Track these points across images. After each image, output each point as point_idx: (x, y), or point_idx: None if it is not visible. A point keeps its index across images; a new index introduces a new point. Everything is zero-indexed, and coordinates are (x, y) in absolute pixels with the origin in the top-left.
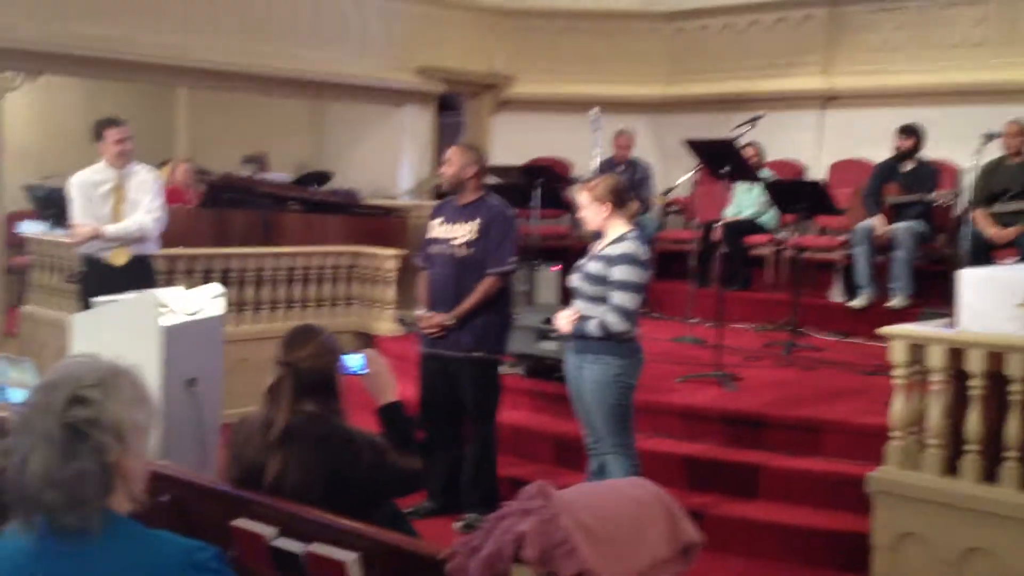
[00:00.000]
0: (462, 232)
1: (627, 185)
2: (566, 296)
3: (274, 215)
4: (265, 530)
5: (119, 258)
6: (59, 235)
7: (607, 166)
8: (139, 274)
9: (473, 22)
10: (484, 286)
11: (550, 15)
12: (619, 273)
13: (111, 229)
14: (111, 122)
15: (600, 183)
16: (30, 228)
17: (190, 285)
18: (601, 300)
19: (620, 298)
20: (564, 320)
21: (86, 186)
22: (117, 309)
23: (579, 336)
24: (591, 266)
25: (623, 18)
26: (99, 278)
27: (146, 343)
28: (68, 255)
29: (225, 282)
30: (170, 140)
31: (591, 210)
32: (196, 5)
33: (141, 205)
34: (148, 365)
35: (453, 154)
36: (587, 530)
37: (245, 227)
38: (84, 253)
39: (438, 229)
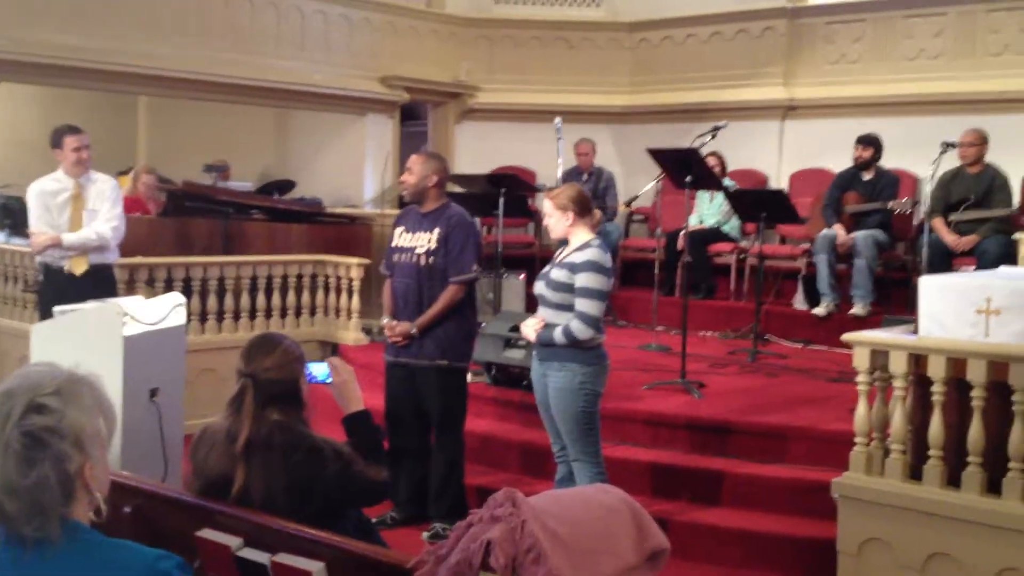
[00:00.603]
0: (423, 241)
1: (590, 194)
2: (532, 304)
3: (236, 224)
4: (230, 540)
5: (78, 267)
6: (17, 244)
7: (571, 175)
8: (99, 283)
9: (437, 31)
10: (447, 294)
11: (514, 25)
12: (583, 280)
13: (69, 238)
14: (69, 130)
15: (562, 192)
16: None
17: (151, 294)
18: (566, 307)
19: (584, 305)
20: (530, 328)
21: (44, 195)
22: (78, 318)
23: (544, 344)
24: (555, 273)
25: (587, 28)
26: (58, 287)
27: (107, 353)
28: (27, 264)
29: (187, 291)
30: (131, 148)
31: (554, 218)
32: (156, 13)
33: (100, 214)
34: (109, 375)
35: (414, 163)
36: (555, 537)
37: (207, 236)
38: (43, 262)
39: (400, 238)
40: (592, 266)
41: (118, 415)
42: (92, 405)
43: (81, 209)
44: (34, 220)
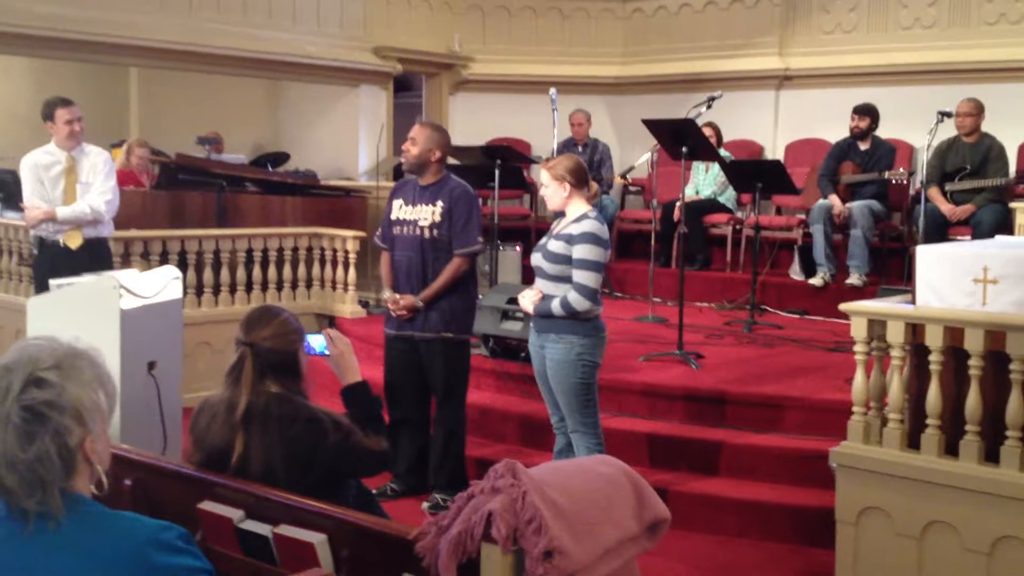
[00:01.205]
0: (426, 214)
1: (586, 165)
2: (528, 276)
3: (231, 196)
4: (232, 513)
5: (73, 241)
6: (10, 217)
7: (566, 146)
8: (94, 256)
9: (429, 2)
10: (452, 267)
11: None
12: (580, 252)
13: (63, 212)
14: (61, 102)
15: (559, 162)
16: None
17: (146, 268)
18: (563, 279)
19: (582, 276)
20: (527, 300)
21: (37, 168)
22: (74, 292)
23: (542, 316)
24: (552, 245)
25: None
26: (53, 260)
27: (105, 326)
28: (21, 238)
29: (182, 265)
30: (123, 121)
31: (551, 189)
32: None
33: (93, 187)
34: (107, 348)
35: (418, 134)
36: (556, 507)
37: (201, 209)
38: (37, 235)
39: (400, 211)
40: (589, 238)
41: (117, 388)
42: (92, 379)
43: (74, 182)
44: (27, 193)
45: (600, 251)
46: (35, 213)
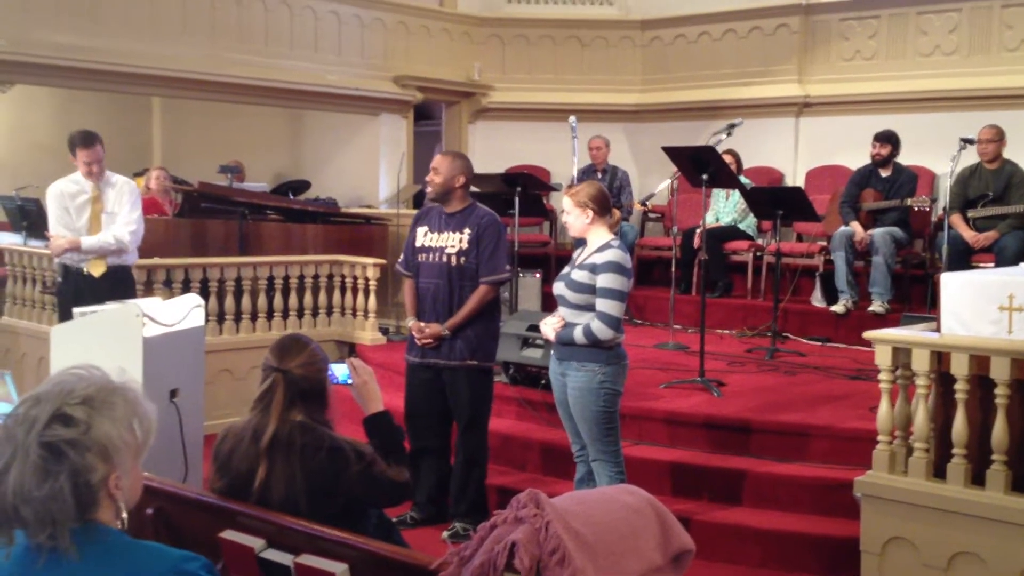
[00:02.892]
0: (454, 241)
1: (609, 193)
2: (548, 304)
3: (252, 224)
4: (253, 542)
5: (97, 269)
6: (34, 246)
7: (587, 172)
8: (118, 285)
9: (449, 31)
10: (479, 295)
11: (526, 24)
12: (604, 281)
13: (87, 241)
14: (82, 141)
15: (582, 189)
16: (5, 240)
17: (168, 295)
18: (586, 308)
19: (606, 305)
20: (549, 327)
21: (63, 196)
22: (97, 320)
23: (564, 343)
24: (576, 274)
25: (599, 27)
26: (77, 288)
27: (127, 354)
28: (45, 266)
29: (204, 292)
30: (146, 150)
31: (573, 215)
32: (169, 14)
33: (119, 217)
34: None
35: (441, 163)
36: (580, 538)
37: (223, 236)
38: (62, 263)
39: (425, 238)
40: (613, 267)
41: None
42: (124, 415)
43: (100, 212)
44: (53, 222)
45: (624, 280)
46: (60, 242)
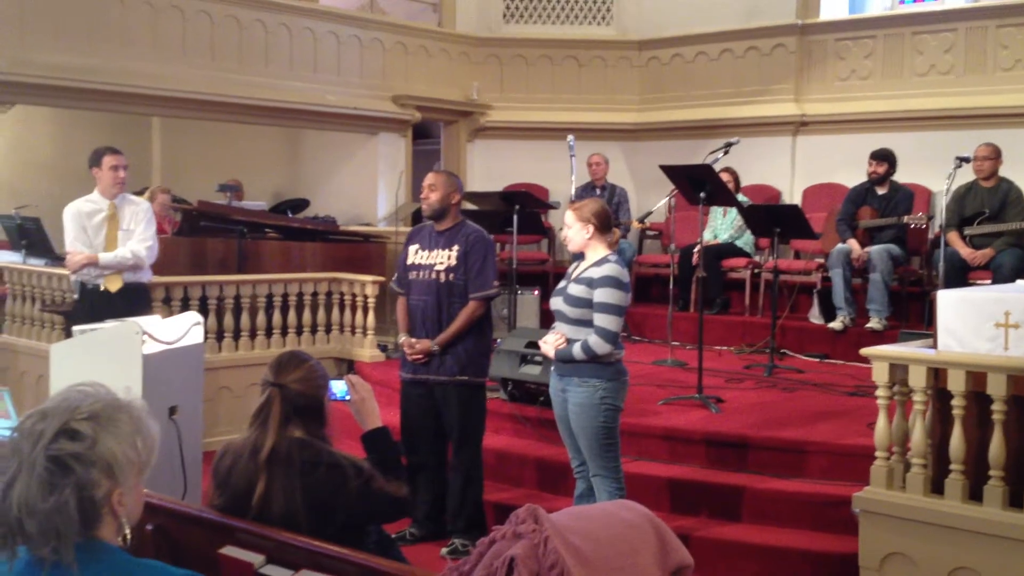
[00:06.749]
0: (442, 258)
1: (610, 211)
2: (546, 320)
3: (251, 242)
4: (253, 558)
5: (113, 284)
6: (33, 264)
7: (586, 190)
8: (134, 301)
9: (448, 51)
10: (468, 311)
11: (524, 43)
12: (601, 296)
13: (105, 257)
14: (108, 149)
15: (586, 205)
16: (4, 258)
17: (167, 313)
18: (584, 323)
19: (603, 320)
20: (550, 346)
21: (80, 215)
22: (97, 337)
23: (564, 360)
24: (573, 288)
25: (597, 47)
26: (94, 305)
27: (127, 371)
28: (43, 284)
29: (203, 310)
30: (145, 169)
31: (574, 230)
32: (169, 35)
33: (135, 234)
34: None
35: (437, 180)
36: (578, 553)
37: (222, 255)
38: (79, 280)
39: (416, 256)
40: (610, 281)
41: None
42: (129, 433)
43: (116, 229)
44: (70, 240)
45: (621, 295)
46: (78, 258)
